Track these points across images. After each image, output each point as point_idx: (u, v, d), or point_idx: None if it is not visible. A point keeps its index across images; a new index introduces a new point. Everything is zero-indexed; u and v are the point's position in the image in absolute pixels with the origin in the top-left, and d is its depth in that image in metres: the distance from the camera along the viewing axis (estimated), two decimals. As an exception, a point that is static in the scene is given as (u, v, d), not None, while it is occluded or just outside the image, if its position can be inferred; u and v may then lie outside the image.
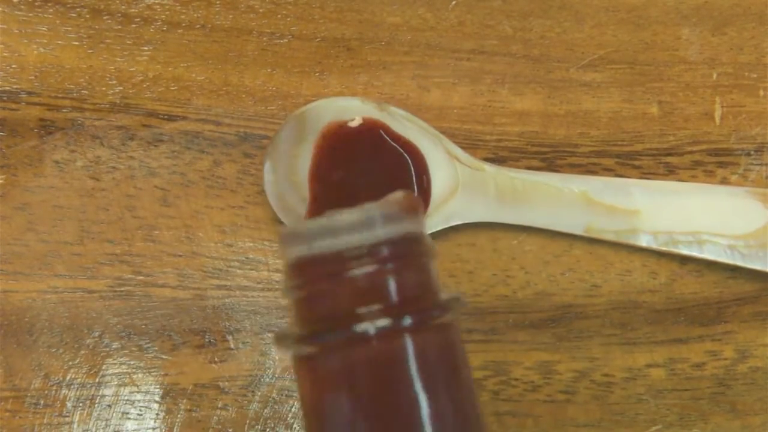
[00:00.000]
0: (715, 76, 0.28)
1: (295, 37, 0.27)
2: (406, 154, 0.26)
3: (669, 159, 0.27)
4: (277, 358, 0.27)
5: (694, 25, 0.28)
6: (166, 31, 0.27)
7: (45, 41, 0.27)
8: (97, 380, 0.26)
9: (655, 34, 0.28)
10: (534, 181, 0.26)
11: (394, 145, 0.26)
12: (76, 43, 0.27)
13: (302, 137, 0.26)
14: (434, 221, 0.26)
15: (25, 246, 0.26)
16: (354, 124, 0.26)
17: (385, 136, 0.26)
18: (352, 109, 0.26)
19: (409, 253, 0.17)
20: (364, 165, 0.26)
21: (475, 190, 0.26)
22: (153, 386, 0.27)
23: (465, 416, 0.17)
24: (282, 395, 0.27)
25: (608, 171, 0.27)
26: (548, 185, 0.26)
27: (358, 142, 0.26)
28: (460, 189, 0.26)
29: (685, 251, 0.26)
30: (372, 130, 0.26)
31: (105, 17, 0.27)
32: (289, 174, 0.26)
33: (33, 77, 0.26)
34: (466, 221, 0.26)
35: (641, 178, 0.27)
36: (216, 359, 0.27)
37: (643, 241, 0.26)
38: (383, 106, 0.26)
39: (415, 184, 0.26)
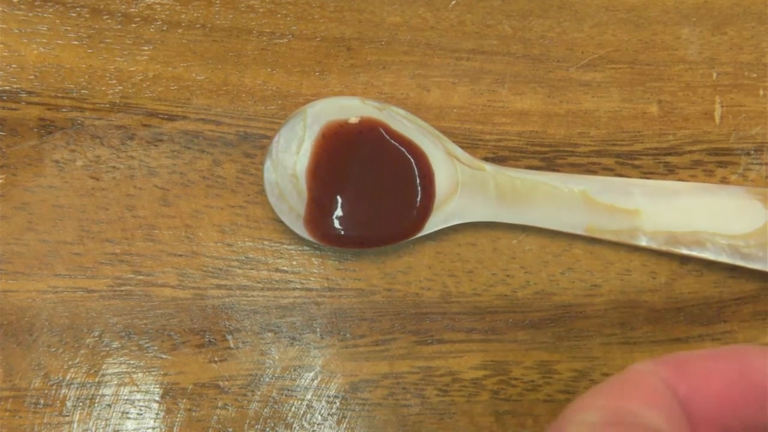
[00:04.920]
0: (714, 75, 0.28)
1: (295, 37, 0.27)
2: (408, 154, 0.26)
3: (669, 159, 0.27)
4: (277, 357, 0.27)
5: (694, 25, 0.28)
6: (166, 30, 0.27)
7: (45, 41, 0.27)
8: (96, 380, 0.26)
9: (654, 33, 0.28)
10: (534, 180, 0.26)
11: (396, 144, 0.26)
12: (76, 42, 0.27)
13: (302, 137, 0.26)
14: (434, 221, 0.26)
15: (25, 246, 0.26)
16: (354, 122, 0.26)
17: (386, 135, 0.26)
18: (353, 109, 0.26)
19: None
20: (365, 165, 0.26)
21: (475, 190, 0.26)
22: (153, 386, 0.27)
23: None
24: (282, 395, 0.27)
25: (608, 171, 0.27)
26: (548, 185, 0.26)
27: (359, 141, 0.26)
28: (460, 189, 0.26)
29: (685, 251, 0.26)
30: (372, 130, 0.26)
31: (105, 17, 0.27)
32: (289, 174, 0.26)
33: (33, 77, 0.26)
34: (466, 221, 0.26)
35: (641, 177, 0.27)
36: (216, 359, 0.27)
37: (643, 241, 0.26)
38: (383, 106, 0.26)
39: (418, 183, 0.26)
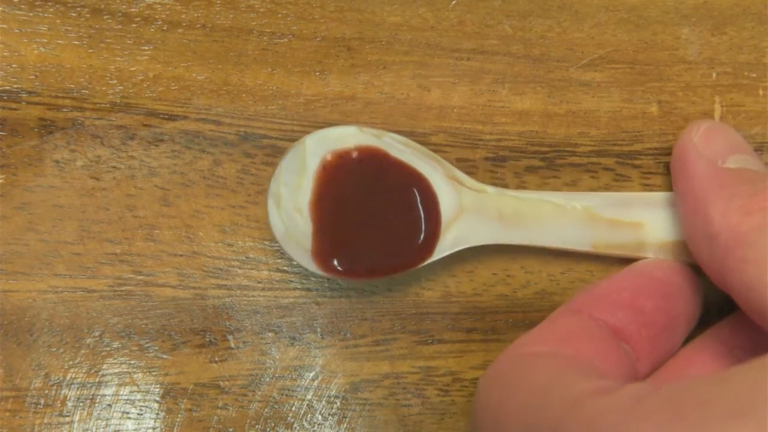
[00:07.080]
0: (714, 75, 0.28)
1: (295, 37, 0.27)
2: (410, 180, 0.25)
3: (669, 159, 0.27)
4: (277, 357, 0.27)
5: (694, 25, 0.28)
6: (166, 30, 0.27)
7: (45, 41, 0.27)
8: (97, 380, 0.26)
9: (654, 33, 0.28)
10: (537, 200, 0.26)
11: (397, 171, 0.25)
12: (77, 42, 0.27)
13: (302, 168, 0.25)
14: (440, 247, 0.25)
15: (25, 246, 0.26)
16: (353, 151, 0.25)
17: (386, 163, 0.25)
18: (351, 137, 0.25)
19: None
20: (368, 194, 0.25)
21: (478, 213, 0.26)
22: (153, 386, 0.27)
23: None
24: (282, 394, 0.27)
25: (608, 170, 0.27)
26: (551, 203, 0.26)
27: (359, 171, 0.25)
28: (463, 213, 0.26)
29: (691, 259, 0.26)
30: (372, 158, 0.25)
31: (105, 17, 0.27)
32: (292, 208, 0.25)
33: (33, 77, 0.26)
34: (473, 245, 0.26)
35: (641, 177, 0.27)
36: (216, 359, 0.27)
37: (651, 253, 0.26)
38: (380, 133, 0.25)
39: (422, 209, 0.25)
